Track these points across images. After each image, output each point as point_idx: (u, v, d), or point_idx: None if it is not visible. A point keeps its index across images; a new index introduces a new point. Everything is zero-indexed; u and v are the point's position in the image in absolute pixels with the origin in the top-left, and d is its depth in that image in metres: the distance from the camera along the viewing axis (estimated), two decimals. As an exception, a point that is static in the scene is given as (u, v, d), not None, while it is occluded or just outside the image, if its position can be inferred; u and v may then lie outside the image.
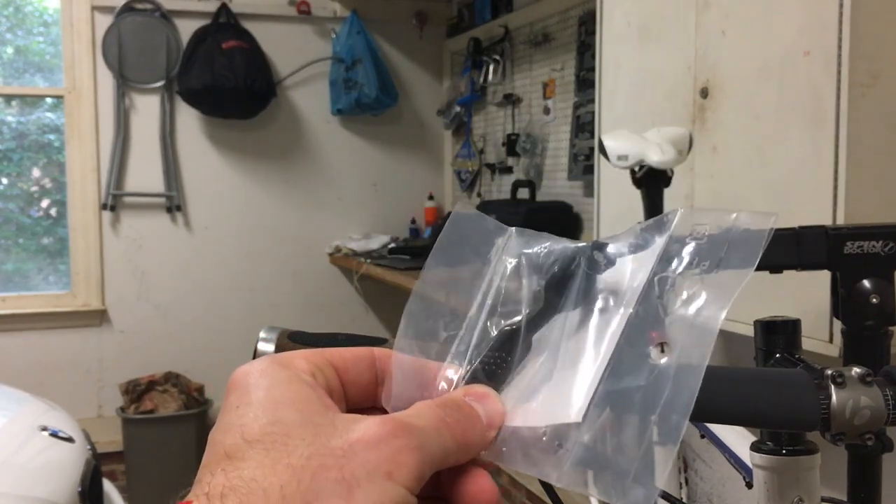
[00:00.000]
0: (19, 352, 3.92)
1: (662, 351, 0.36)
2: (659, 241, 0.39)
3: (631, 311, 0.38)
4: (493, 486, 0.37)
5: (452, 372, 0.40)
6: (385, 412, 0.39)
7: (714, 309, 0.36)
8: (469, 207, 0.44)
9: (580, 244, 0.41)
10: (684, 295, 0.37)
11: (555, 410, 0.37)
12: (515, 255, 0.43)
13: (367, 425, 0.34)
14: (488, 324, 0.41)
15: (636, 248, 0.40)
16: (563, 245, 0.41)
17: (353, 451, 0.32)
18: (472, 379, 0.40)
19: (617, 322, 0.38)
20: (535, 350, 0.40)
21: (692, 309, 0.37)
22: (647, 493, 0.34)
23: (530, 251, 0.42)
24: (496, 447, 0.38)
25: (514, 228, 0.44)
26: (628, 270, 0.39)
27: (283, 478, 0.32)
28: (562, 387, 0.38)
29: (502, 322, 0.41)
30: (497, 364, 0.40)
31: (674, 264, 0.38)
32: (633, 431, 0.35)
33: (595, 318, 0.39)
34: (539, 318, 0.40)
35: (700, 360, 0.35)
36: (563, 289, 0.40)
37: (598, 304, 0.39)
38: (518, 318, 0.41)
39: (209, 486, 0.32)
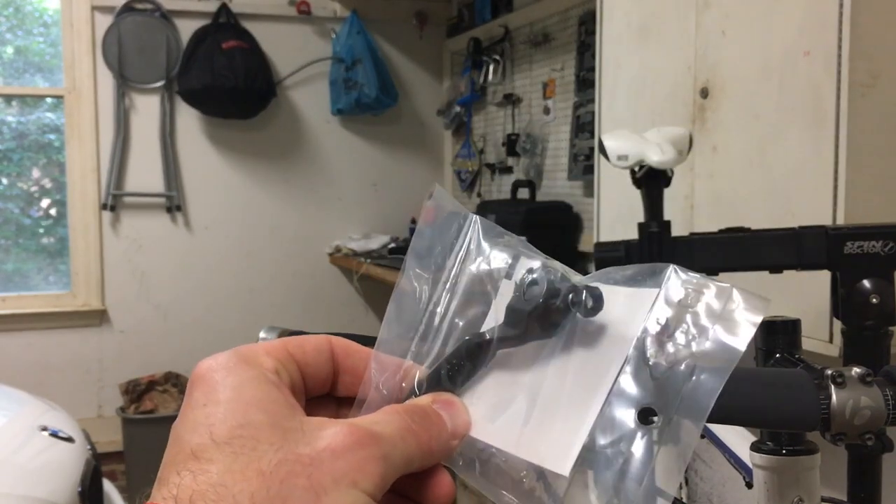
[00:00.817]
0: (19, 352, 3.92)
1: (649, 418, 0.36)
2: (649, 297, 0.38)
3: (620, 366, 0.37)
4: (451, 481, 0.38)
5: (416, 373, 0.41)
6: (339, 400, 0.40)
7: (706, 390, 0.35)
8: (443, 197, 0.43)
9: (568, 273, 0.40)
10: (679, 365, 0.36)
11: (540, 452, 0.37)
12: (487, 259, 0.42)
13: (333, 433, 0.34)
14: (455, 328, 0.41)
15: (628, 298, 0.39)
16: (547, 273, 0.40)
17: (320, 459, 0.33)
18: (435, 382, 0.40)
19: (608, 374, 0.37)
20: (500, 365, 0.40)
21: (684, 381, 0.36)
22: None
23: (515, 265, 0.41)
24: (458, 456, 0.39)
25: (477, 218, 0.43)
26: (619, 321, 0.38)
27: (253, 484, 0.32)
28: (548, 427, 0.38)
29: (470, 329, 0.41)
30: (459, 371, 0.40)
31: (664, 327, 0.37)
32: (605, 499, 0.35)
33: (582, 362, 0.38)
34: (514, 339, 0.40)
35: (688, 439, 0.35)
36: (546, 319, 0.39)
37: (585, 347, 0.39)
38: (489, 330, 0.40)
39: (177, 489, 0.32)
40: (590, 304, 0.38)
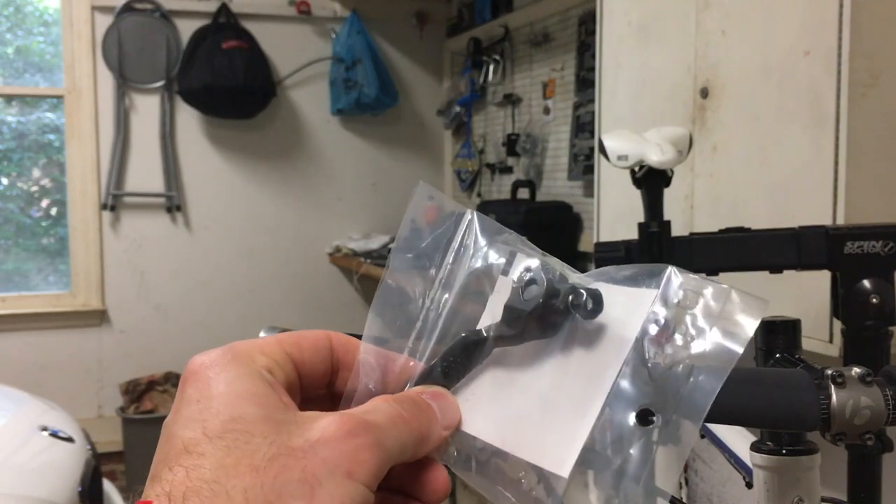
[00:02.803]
0: (19, 352, 3.92)
1: (648, 419, 0.36)
2: (648, 297, 0.38)
3: (619, 367, 0.37)
4: (446, 475, 0.37)
5: (410, 368, 0.41)
6: (336, 398, 0.40)
7: (704, 391, 0.35)
8: (438, 196, 0.43)
9: (566, 272, 0.39)
10: (678, 366, 0.36)
11: (540, 452, 0.37)
12: (484, 255, 0.42)
13: (326, 424, 0.34)
14: (451, 325, 0.41)
15: (627, 298, 0.38)
16: (546, 273, 0.39)
17: (313, 451, 0.33)
18: (429, 377, 0.40)
19: (607, 376, 0.37)
20: (496, 363, 0.40)
21: (682, 381, 0.36)
22: None
23: (513, 262, 0.41)
24: (453, 452, 0.38)
25: (474, 213, 0.43)
26: (618, 322, 0.38)
27: (247, 480, 0.32)
28: (547, 428, 0.37)
29: (466, 326, 0.41)
30: (454, 367, 0.40)
31: (663, 328, 0.37)
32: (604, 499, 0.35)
33: (580, 362, 0.38)
34: (512, 338, 0.39)
35: (687, 440, 0.35)
36: (545, 320, 0.38)
37: (584, 347, 0.38)
38: (486, 328, 0.40)
39: (170, 486, 0.32)
40: (590, 305, 0.38)
